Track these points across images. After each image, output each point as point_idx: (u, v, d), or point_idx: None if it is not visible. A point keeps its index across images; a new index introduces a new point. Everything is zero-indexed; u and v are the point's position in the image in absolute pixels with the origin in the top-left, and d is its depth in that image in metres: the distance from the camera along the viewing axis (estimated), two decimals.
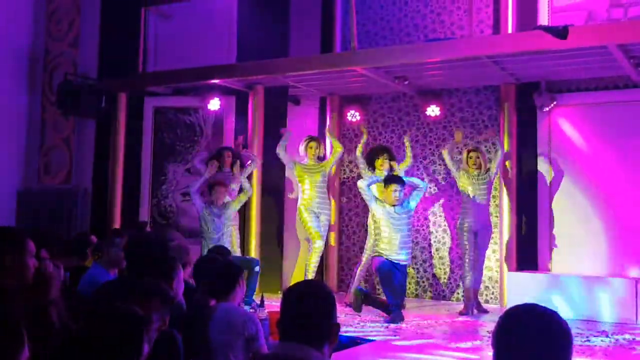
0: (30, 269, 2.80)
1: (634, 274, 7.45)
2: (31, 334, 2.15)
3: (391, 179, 7.22)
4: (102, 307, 2.28)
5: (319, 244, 7.92)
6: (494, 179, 7.73)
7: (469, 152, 7.69)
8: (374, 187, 7.55)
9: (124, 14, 9.74)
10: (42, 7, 10.90)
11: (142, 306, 2.72)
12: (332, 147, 8.58)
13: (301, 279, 7.22)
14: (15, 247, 2.78)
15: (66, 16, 10.70)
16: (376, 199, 7.25)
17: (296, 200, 8.33)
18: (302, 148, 8.14)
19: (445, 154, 7.73)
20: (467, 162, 7.61)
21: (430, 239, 8.73)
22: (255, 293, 7.17)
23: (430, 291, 8.70)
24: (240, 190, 8.00)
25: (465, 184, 7.55)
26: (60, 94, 9.36)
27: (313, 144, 8.14)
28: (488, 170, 7.63)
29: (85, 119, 10.03)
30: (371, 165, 8.07)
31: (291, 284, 2.56)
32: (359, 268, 8.00)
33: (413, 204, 7.24)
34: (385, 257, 6.95)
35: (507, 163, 7.99)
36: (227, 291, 3.85)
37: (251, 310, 5.24)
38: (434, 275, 8.69)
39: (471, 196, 7.50)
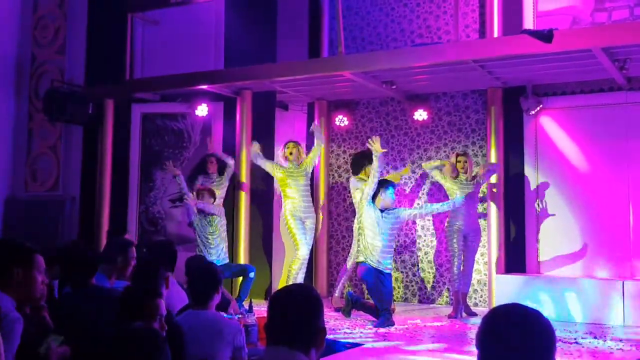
0: (38, 283, 2.88)
1: (621, 276, 7.49)
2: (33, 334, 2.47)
3: (380, 183, 7.04)
4: None
5: (302, 252, 7.85)
6: (480, 185, 7.75)
7: (457, 155, 7.72)
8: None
9: (111, 20, 9.71)
10: (28, 14, 10.84)
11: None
12: (314, 146, 8.19)
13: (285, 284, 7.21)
14: (24, 262, 2.86)
15: (53, 23, 10.65)
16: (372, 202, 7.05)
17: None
18: (281, 153, 8.15)
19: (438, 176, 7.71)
20: (455, 166, 7.63)
21: (418, 243, 8.75)
22: (245, 299, 7.17)
23: (419, 295, 8.72)
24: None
25: (454, 188, 7.57)
26: (47, 101, 9.31)
27: (290, 144, 8.10)
28: (475, 176, 7.66)
29: (72, 126, 9.99)
30: (359, 170, 8.02)
31: (278, 289, 2.55)
32: (344, 274, 8.00)
33: (404, 214, 7.05)
34: (369, 264, 6.82)
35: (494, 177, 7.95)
36: (208, 296, 3.68)
37: (239, 317, 5.23)
38: (422, 279, 8.70)
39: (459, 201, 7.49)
